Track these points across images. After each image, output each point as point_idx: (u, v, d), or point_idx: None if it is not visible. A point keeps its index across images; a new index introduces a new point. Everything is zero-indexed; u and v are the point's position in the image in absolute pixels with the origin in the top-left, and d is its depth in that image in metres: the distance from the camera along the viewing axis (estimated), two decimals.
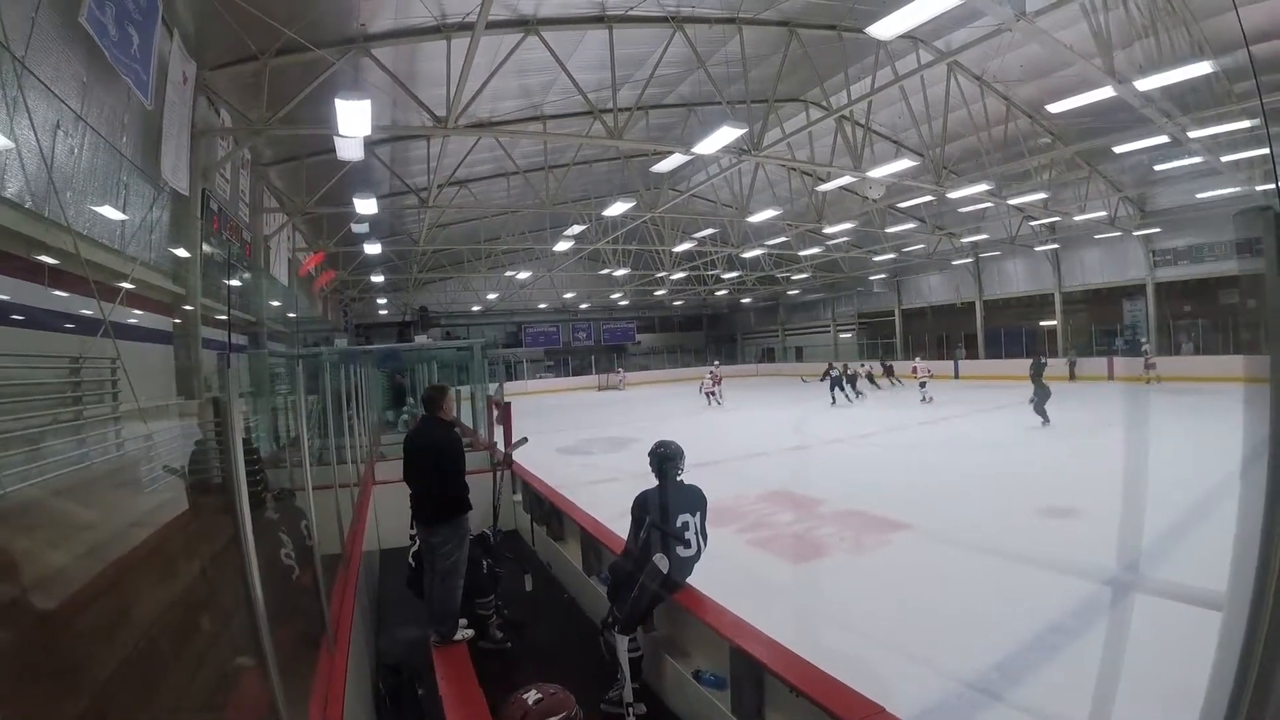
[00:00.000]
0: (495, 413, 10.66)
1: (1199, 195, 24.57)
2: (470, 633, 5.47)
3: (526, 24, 13.94)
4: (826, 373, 28.42)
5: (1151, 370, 27.74)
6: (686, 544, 4.68)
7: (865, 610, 6.74)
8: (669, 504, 4.73)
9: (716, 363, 40.03)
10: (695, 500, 4.81)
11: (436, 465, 5.30)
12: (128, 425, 8.40)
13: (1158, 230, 28.53)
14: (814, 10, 15.88)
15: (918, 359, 29.58)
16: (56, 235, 7.13)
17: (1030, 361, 22.80)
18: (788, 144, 18.33)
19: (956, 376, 35.40)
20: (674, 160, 16.77)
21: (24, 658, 2.59)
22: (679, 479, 4.87)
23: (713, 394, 30.42)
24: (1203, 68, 11.61)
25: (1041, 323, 34.61)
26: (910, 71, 14.79)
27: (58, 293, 7.45)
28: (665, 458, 4.83)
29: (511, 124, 19.32)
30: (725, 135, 13.55)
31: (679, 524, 4.67)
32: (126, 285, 8.67)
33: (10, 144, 6.61)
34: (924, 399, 25.95)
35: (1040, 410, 18.26)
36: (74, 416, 7.54)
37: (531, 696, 2.48)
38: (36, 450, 6.65)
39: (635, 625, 4.68)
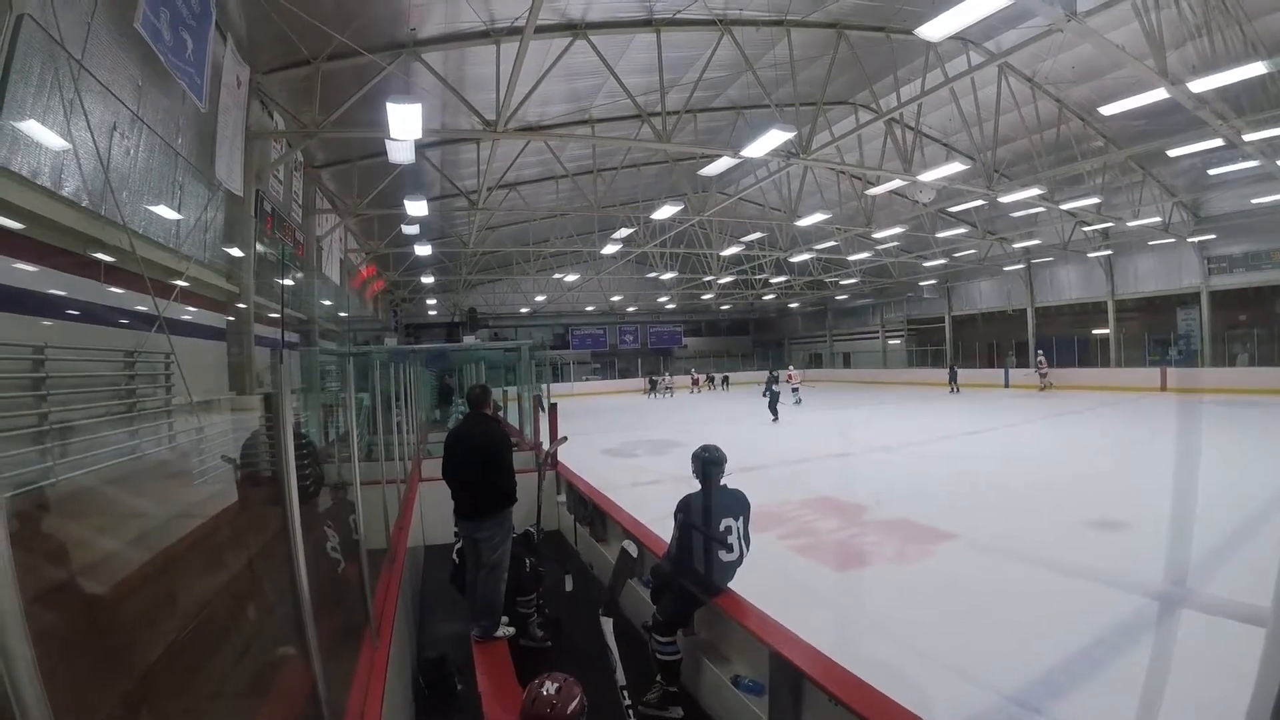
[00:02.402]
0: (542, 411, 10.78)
1: (1254, 200, 24.02)
2: (511, 630, 5.51)
3: (574, 28, 14.02)
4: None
5: (1045, 378, 33.06)
6: (729, 548, 4.65)
7: (907, 620, 6.64)
8: (712, 508, 4.70)
9: (692, 370, 48.58)
10: (738, 504, 4.77)
11: (484, 459, 5.35)
12: (180, 418, 8.58)
13: (1212, 236, 27.68)
14: (863, 12, 15.78)
15: (790, 367, 38.68)
16: (113, 233, 7.30)
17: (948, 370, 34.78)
18: (837, 147, 18.20)
19: (1006, 385, 34.82)
20: (722, 163, 16.71)
21: (73, 639, 2.65)
22: (722, 483, 4.85)
23: (672, 388, 44.26)
24: (1257, 68, 11.27)
25: (1095, 330, 33.91)
26: (961, 73, 14.62)
27: (114, 289, 7.64)
28: (708, 461, 4.80)
29: (560, 127, 19.45)
30: (774, 138, 13.43)
31: (721, 528, 4.65)
32: (181, 283, 8.86)
33: (68, 145, 6.78)
34: (796, 401, 30.79)
35: (773, 408, 24.81)
36: (127, 409, 7.72)
37: (549, 687, 2.63)
38: (92, 440, 6.82)
39: (676, 628, 4.67)
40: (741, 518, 4.74)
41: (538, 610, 5.97)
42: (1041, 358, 33.92)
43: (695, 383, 47.20)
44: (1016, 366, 36.09)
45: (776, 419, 24.33)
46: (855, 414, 27.32)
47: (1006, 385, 34.82)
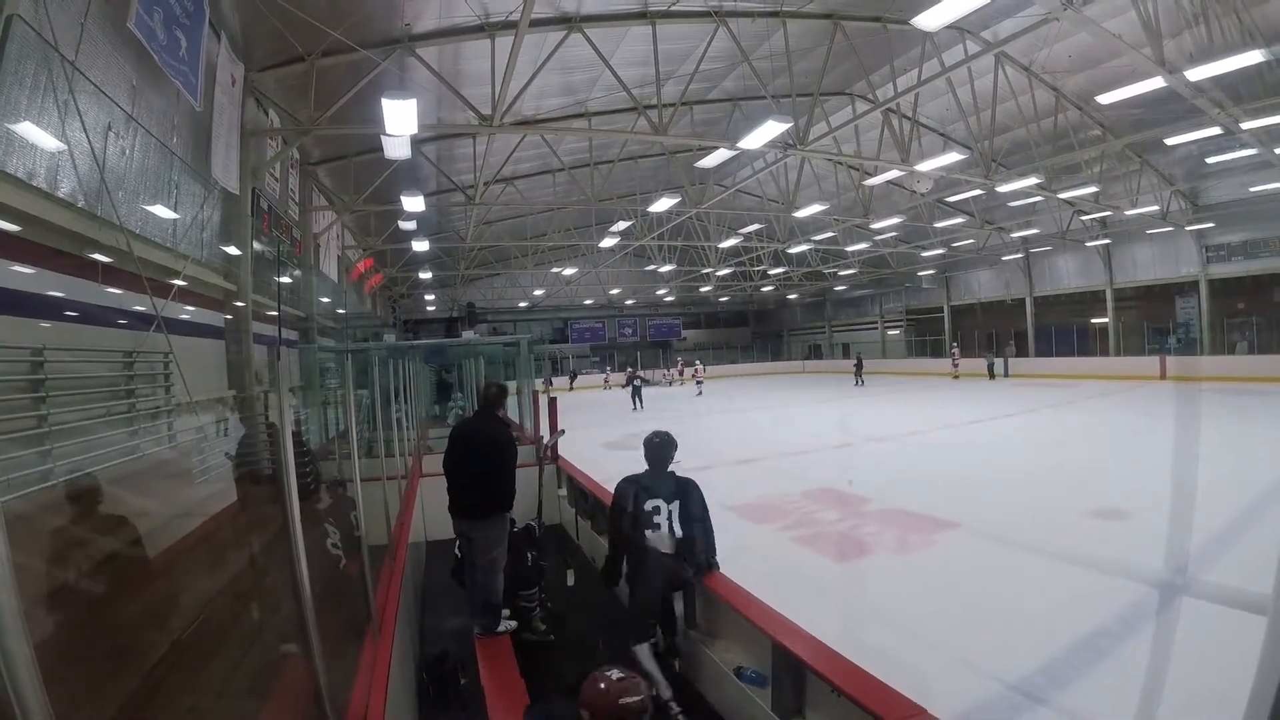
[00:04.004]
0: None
1: (1252, 189, 24.10)
2: (513, 624, 5.51)
3: (569, 21, 13.97)
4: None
5: (958, 367, 37.21)
6: (654, 526, 4.61)
7: (909, 609, 6.64)
8: (641, 489, 4.69)
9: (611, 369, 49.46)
10: (675, 489, 4.71)
11: (488, 461, 5.33)
12: (179, 417, 8.59)
13: (1211, 225, 27.66)
14: (859, 2, 15.72)
15: (697, 362, 41.69)
16: (110, 234, 7.29)
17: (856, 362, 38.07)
18: (834, 138, 18.13)
19: (1006, 375, 34.80)
20: (719, 155, 16.68)
21: (77, 639, 2.66)
22: (670, 470, 4.82)
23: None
24: (1254, 56, 11.24)
25: (1093, 319, 33.90)
26: (957, 63, 14.59)
27: (111, 289, 7.63)
28: (652, 445, 4.82)
29: (556, 121, 19.35)
30: (770, 130, 13.40)
31: (649, 508, 4.62)
32: (179, 282, 8.85)
33: (63, 146, 6.77)
34: (698, 393, 35.07)
35: (634, 398, 28.56)
36: (127, 409, 7.72)
37: (613, 674, 2.60)
38: (91, 441, 6.82)
39: (643, 638, 4.56)
40: (678, 502, 4.66)
41: (540, 604, 5.96)
42: (956, 349, 38.73)
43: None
44: (1015, 355, 36.16)
45: (638, 408, 27.94)
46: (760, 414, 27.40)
47: (1006, 375, 34.76)
